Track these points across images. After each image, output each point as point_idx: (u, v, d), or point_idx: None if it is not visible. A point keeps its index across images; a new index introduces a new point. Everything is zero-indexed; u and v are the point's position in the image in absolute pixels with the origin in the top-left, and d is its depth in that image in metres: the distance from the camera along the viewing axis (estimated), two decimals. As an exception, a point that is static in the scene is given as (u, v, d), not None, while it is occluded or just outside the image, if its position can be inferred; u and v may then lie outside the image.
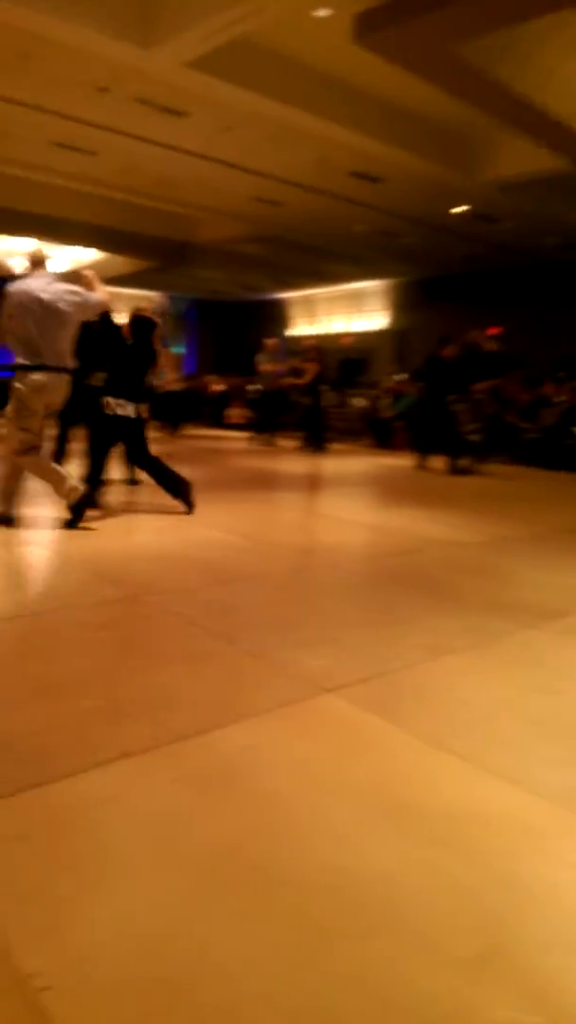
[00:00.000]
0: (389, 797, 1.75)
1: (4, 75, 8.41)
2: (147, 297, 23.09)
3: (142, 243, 16.91)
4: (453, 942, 1.31)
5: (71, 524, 4.63)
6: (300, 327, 22.90)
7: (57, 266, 18.73)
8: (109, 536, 4.79)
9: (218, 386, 18.78)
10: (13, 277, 4.71)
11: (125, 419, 5.27)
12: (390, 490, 7.98)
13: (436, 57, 7.16)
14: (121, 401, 5.25)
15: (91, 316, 4.80)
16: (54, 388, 4.58)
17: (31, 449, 4.63)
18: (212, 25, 6.77)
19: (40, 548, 4.30)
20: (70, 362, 4.66)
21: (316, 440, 11.97)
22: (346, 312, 21.63)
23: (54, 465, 4.80)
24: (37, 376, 4.46)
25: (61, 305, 4.52)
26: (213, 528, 4.96)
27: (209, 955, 1.26)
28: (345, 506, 6.61)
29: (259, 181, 11.96)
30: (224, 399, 18.21)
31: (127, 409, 5.25)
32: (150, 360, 5.49)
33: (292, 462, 10.33)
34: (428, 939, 1.31)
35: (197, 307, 24.90)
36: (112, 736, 1.96)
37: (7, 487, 4.66)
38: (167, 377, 13.24)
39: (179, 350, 22.85)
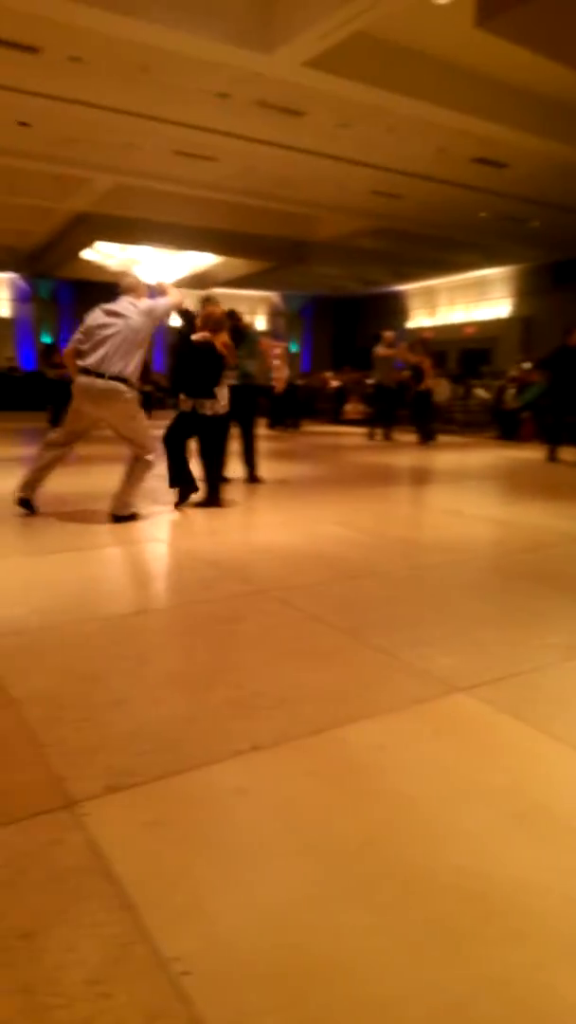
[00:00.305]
0: (528, 802, 1.68)
1: (125, 89, 8.74)
2: (265, 297, 23.46)
3: (260, 244, 17.17)
4: (604, 958, 1.24)
5: None
6: (419, 319, 22.53)
7: (174, 273, 19.41)
8: (233, 532, 4.89)
9: (335, 382, 18.81)
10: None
11: (183, 413, 5.44)
12: (517, 483, 7.71)
13: (564, 35, 6.84)
14: (182, 396, 5.42)
15: (162, 318, 4.89)
16: (101, 395, 4.62)
17: (58, 444, 4.85)
18: (332, 22, 6.76)
19: (166, 545, 4.44)
20: (130, 374, 4.65)
21: (424, 432, 11.78)
22: (468, 301, 21.08)
23: (46, 469, 4.89)
24: (84, 379, 4.63)
25: (125, 313, 4.65)
26: (334, 524, 4.96)
27: (347, 948, 1.26)
28: (470, 500, 6.45)
29: (378, 175, 11.86)
30: (341, 395, 18.22)
31: (186, 404, 5.41)
32: (205, 357, 5.43)
33: (411, 456, 10.18)
34: (575, 948, 1.25)
35: (314, 304, 25.03)
36: (243, 728, 2.00)
37: (36, 475, 4.90)
38: (276, 375, 13.39)
39: (293, 348, 23.02)
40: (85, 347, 4.64)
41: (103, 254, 18.21)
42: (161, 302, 4.88)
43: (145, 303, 4.78)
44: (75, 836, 1.53)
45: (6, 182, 12.85)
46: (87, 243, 16.93)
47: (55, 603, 3.13)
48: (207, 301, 6.60)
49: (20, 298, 21.40)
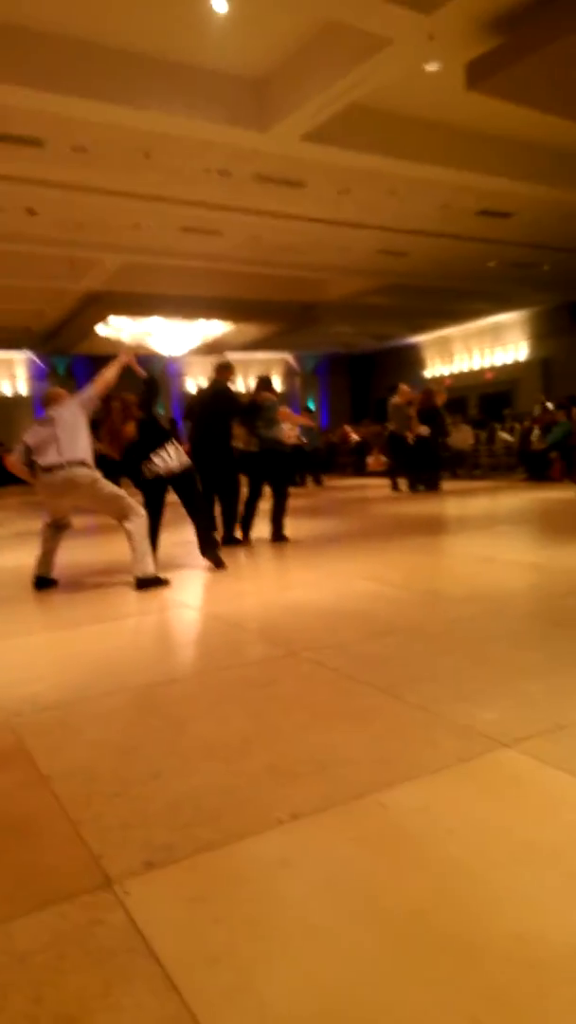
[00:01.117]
0: (585, 860, 1.60)
1: (129, 173, 9.10)
2: (277, 359, 23.88)
3: (270, 309, 17.55)
4: None
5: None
6: (436, 367, 22.76)
7: (187, 342, 19.83)
8: (260, 593, 4.87)
9: (355, 435, 18.99)
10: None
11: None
12: (551, 525, 7.62)
13: (555, 88, 7.03)
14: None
15: (90, 404, 5.11)
16: (64, 485, 4.85)
17: (53, 526, 5.15)
18: (324, 98, 7.03)
19: (192, 610, 4.43)
20: (84, 457, 4.90)
21: (426, 479, 11.77)
22: (485, 347, 21.30)
23: (51, 548, 5.13)
24: (45, 477, 4.90)
25: (55, 416, 4.98)
26: (364, 579, 4.92)
27: (404, 1031, 1.18)
28: (503, 546, 6.37)
29: (383, 235, 12.14)
30: (362, 448, 18.35)
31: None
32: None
33: (437, 505, 10.14)
34: None
35: (328, 361, 25.43)
36: (282, 796, 1.95)
37: (44, 552, 5.15)
38: (287, 432, 13.55)
39: (311, 406, 23.31)
40: (36, 456, 4.92)
41: (116, 328, 18.70)
42: (85, 392, 5.15)
43: (68, 400, 5.14)
44: (115, 916, 1.49)
45: (19, 266, 13.31)
46: (100, 319, 17.41)
47: (84, 676, 3.11)
48: (223, 368, 6.76)
49: (37, 376, 21.98)
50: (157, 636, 4.03)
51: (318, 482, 14.87)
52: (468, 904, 1.48)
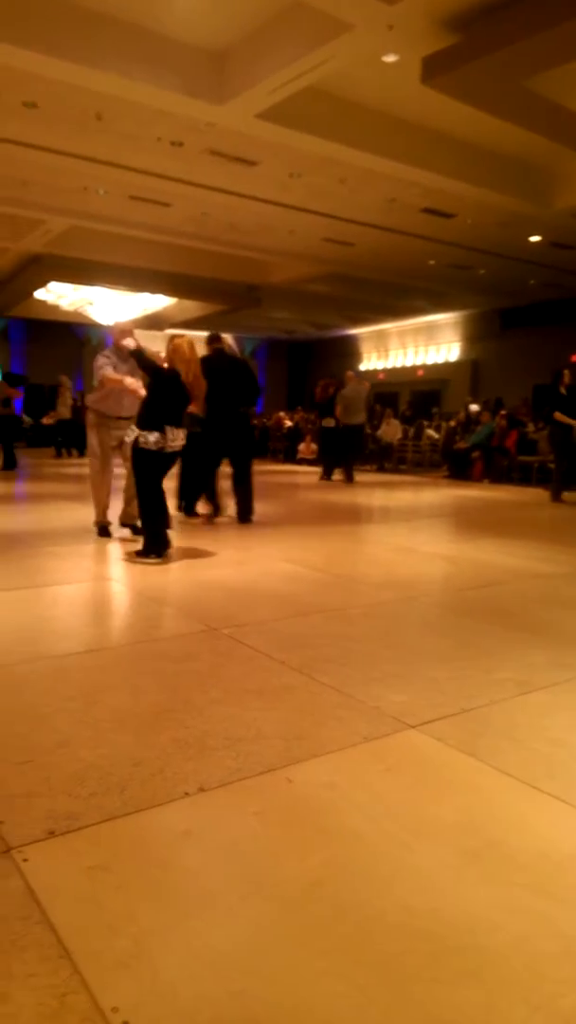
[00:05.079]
0: (480, 838, 1.67)
1: (80, 135, 8.82)
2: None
3: (213, 287, 17.34)
4: (554, 991, 1.23)
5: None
6: (372, 361, 23.01)
7: (127, 312, 19.42)
8: (185, 570, 4.85)
9: (288, 422, 18.99)
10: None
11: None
12: (467, 522, 7.82)
13: (506, 93, 7.15)
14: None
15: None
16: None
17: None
18: (282, 77, 6.95)
19: (118, 583, 4.38)
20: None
21: (340, 470, 11.81)
22: (419, 344, 21.63)
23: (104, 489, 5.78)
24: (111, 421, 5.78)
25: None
26: (287, 562, 4.95)
27: (294, 993, 1.22)
28: (422, 538, 6.50)
29: (330, 223, 12.14)
30: (295, 434, 18.35)
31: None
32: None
33: (364, 495, 10.27)
34: (527, 987, 1.23)
35: (267, 346, 25.37)
36: (192, 769, 1.95)
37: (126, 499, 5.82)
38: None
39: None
40: (108, 401, 5.73)
41: (56, 294, 18.17)
42: (103, 368, 5.53)
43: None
44: (12, 882, 1.47)
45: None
46: (41, 283, 16.89)
47: (1, 642, 3.04)
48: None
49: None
50: (78, 607, 3.96)
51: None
52: (365, 877, 1.53)
